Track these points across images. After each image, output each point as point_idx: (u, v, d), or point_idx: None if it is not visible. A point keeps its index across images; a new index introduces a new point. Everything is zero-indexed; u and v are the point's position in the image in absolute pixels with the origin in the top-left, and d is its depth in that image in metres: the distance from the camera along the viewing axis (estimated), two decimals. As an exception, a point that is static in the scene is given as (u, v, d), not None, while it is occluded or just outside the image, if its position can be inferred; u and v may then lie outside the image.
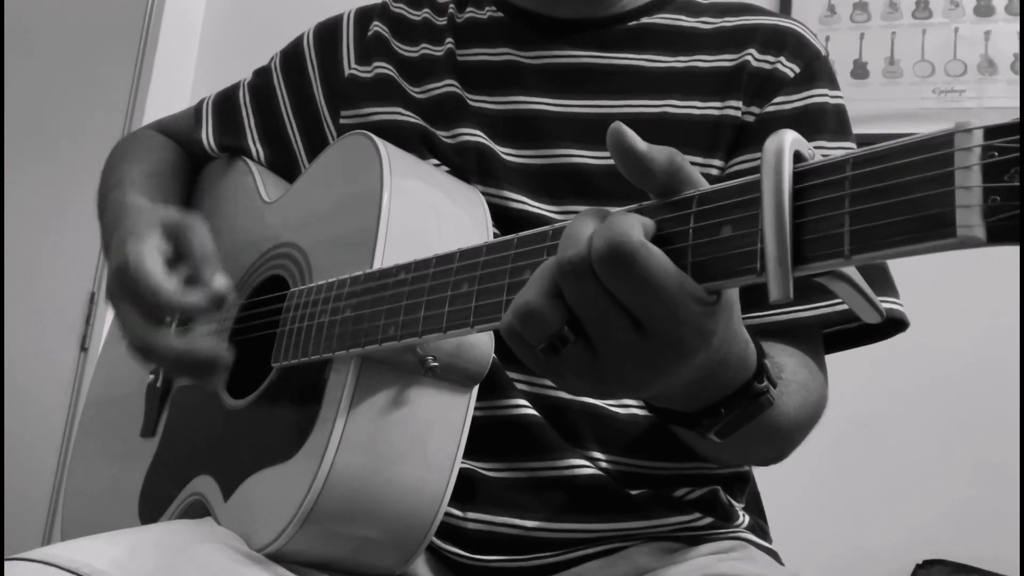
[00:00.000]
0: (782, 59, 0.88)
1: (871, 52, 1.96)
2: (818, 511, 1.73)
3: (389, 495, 0.73)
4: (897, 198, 0.42)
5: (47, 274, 2.35)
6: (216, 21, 2.52)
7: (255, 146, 1.04)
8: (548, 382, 0.82)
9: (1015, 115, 0.40)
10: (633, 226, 0.50)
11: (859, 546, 1.73)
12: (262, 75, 1.08)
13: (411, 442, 0.74)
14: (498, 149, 0.89)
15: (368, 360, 0.72)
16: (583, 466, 0.81)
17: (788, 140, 0.47)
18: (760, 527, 0.90)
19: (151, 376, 0.98)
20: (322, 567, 0.75)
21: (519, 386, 0.82)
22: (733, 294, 0.55)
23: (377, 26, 1.00)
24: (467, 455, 0.77)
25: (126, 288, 0.80)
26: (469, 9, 0.99)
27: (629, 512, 0.82)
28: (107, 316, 2.22)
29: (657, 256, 0.50)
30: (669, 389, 0.57)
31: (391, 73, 0.96)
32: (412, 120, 0.92)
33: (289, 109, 1.03)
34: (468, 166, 0.88)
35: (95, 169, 1.08)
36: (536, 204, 0.87)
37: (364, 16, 1.03)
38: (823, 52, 0.92)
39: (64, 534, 1.00)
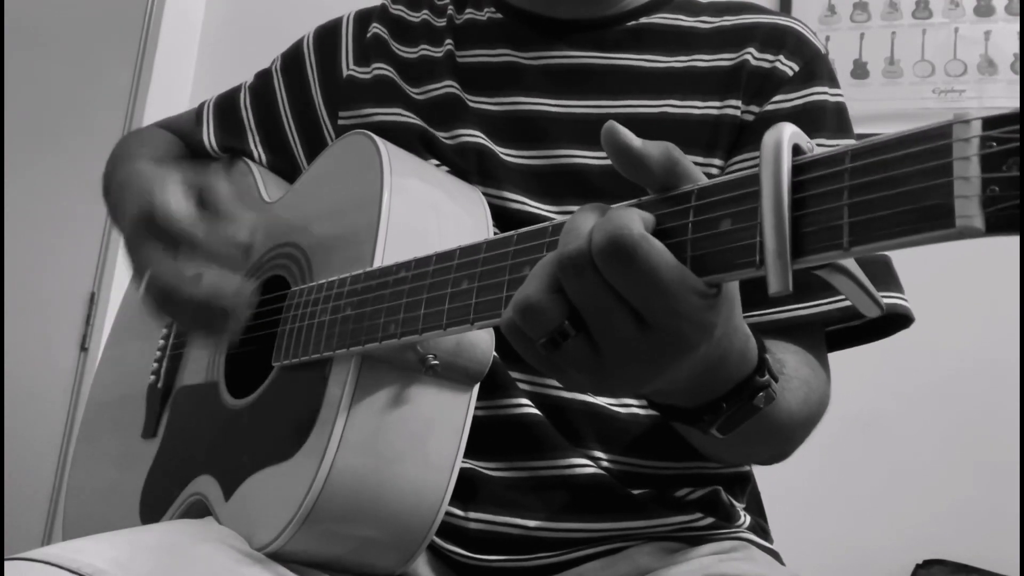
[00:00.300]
0: (781, 57, 0.88)
1: (871, 52, 1.96)
2: (818, 511, 1.73)
3: (390, 494, 0.73)
4: (896, 189, 0.42)
5: (47, 274, 2.34)
6: (216, 21, 2.52)
7: (257, 149, 1.04)
8: (550, 381, 0.82)
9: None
10: (633, 219, 0.50)
11: (859, 546, 1.73)
12: (263, 77, 1.08)
13: (412, 441, 0.74)
14: (498, 150, 0.89)
15: (368, 359, 0.72)
16: (584, 465, 0.81)
17: (787, 133, 0.47)
18: (761, 527, 0.90)
19: (152, 377, 0.98)
20: (323, 566, 0.75)
21: (521, 385, 0.82)
22: (733, 288, 0.55)
23: (376, 28, 1.00)
24: (468, 454, 0.77)
25: (151, 232, 0.78)
26: (468, 10, 0.99)
27: (630, 512, 0.82)
28: (107, 316, 2.22)
29: (657, 249, 0.50)
30: (670, 384, 0.57)
31: (390, 74, 0.97)
32: (411, 121, 0.92)
33: (288, 111, 1.03)
34: (468, 167, 0.88)
35: (95, 169, 1.08)
36: (536, 204, 0.87)
37: (363, 18, 1.03)
38: (822, 50, 0.92)
39: (64, 534, 1.00)
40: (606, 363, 0.53)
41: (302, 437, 0.73)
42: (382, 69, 0.97)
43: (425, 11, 1.01)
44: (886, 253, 0.84)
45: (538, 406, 0.81)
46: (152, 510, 0.90)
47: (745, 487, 0.91)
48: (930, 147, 0.42)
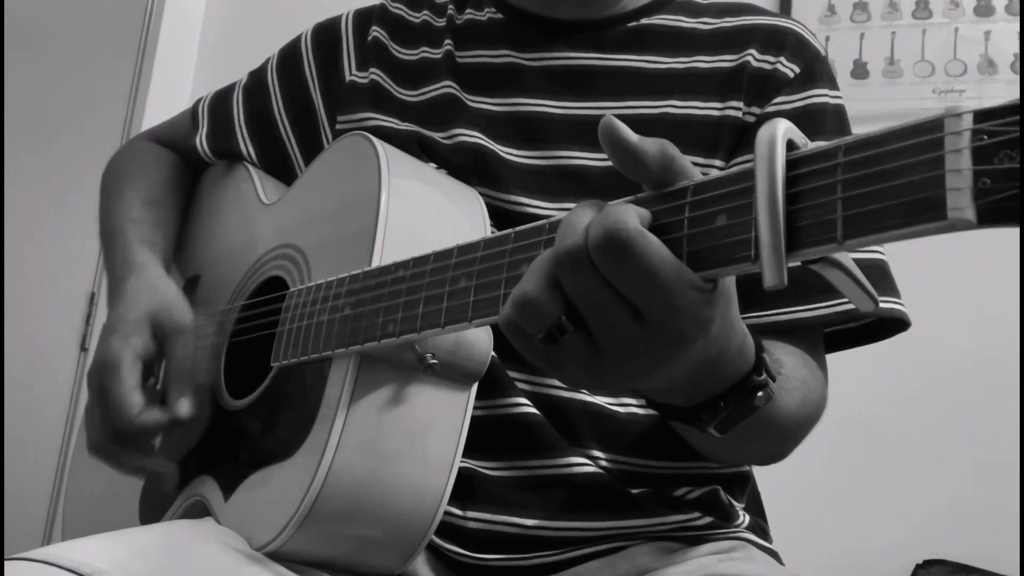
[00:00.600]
0: (782, 59, 0.88)
1: (871, 52, 1.96)
2: (818, 511, 1.73)
3: (389, 494, 0.73)
4: (888, 183, 0.43)
5: (47, 274, 2.35)
6: (216, 21, 2.52)
7: (245, 144, 1.04)
8: (549, 381, 0.82)
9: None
10: (629, 215, 0.50)
11: (859, 546, 1.73)
12: (257, 75, 1.08)
13: (411, 441, 0.74)
14: (498, 150, 0.89)
15: (367, 358, 0.72)
16: (583, 465, 0.81)
17: (781, 129, 0.47)
18: (760, 527, 0.90)
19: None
20: (322, 566, 0.76)
21: (519, 385, 0.82)
22: (730, 284, 0.55)
23: (376, 30, 1.00)
24: (467, 454, 0.77)
25: (98, 385, 0.85)
26: (468, 10, 0.99)
27: (629, 511, 0.82)
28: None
29: (654, 244, 0.50)
30: (668, 380, 0.57)
31: (384, 82, 0.96)
32: (407, 129, 0.92)
33: (281, 108, 1.03)
34: (466, 166, 0.88)
35: (95, 169, 1.08)
36: (536, 205, 0.87)
37: (363, 19, 1.02)
38: (823, 52, 0.92)
39: (64, 534, 1.00)
40: (604, 358, 0.53)
41: (301, 437, 0.73)
42: (376, 75, 0.97)
43: (425, 11, 1.01)
44: (883, 258, 0.85)
45: (537, 405, 0.82)
46: (152, 510, 0.90)
47: (744, 487, 0.91)
48: (922, 140, 0.42)
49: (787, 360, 0.77)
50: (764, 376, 0.62)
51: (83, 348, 2.28)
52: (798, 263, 0.47)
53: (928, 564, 1.67)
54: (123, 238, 0.97)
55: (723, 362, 0.59)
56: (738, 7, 0.94)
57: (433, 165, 0.89)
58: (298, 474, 0.72)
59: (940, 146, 0.41)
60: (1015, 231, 0.41)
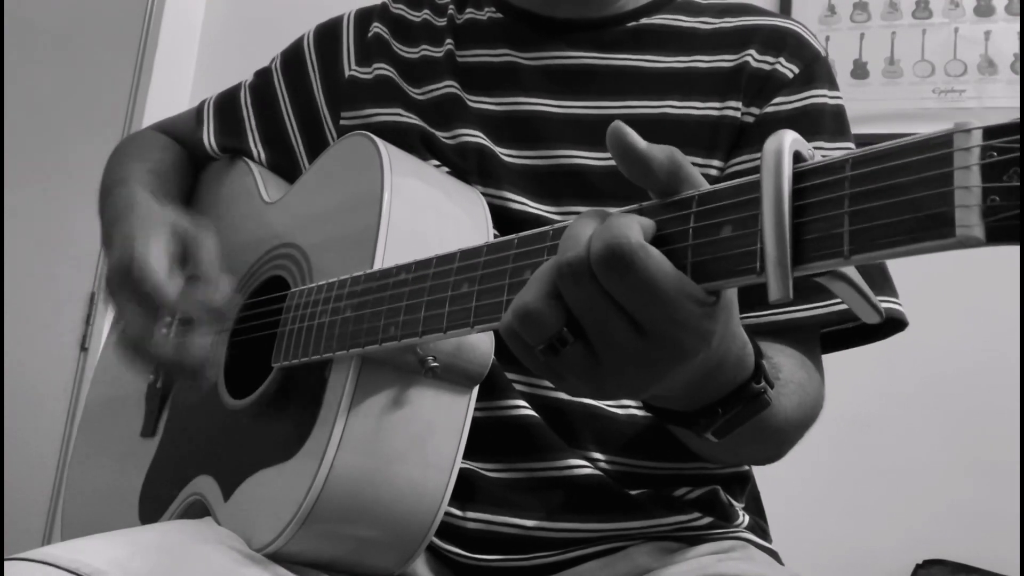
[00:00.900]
0: (781, 60, 0.88)
1: (871, 52, 1.96)
2: (818, 511, 1.73)
3: (389, 495, 0.73)
4: (896, 198, 0.42)
5: (47, 274, 2.35)
6: (216, 21, 2.52)
7: (256, 148, 1.04)
8: (547, 383, 0.82)
9: (1015, 115, 0.40)
10: (631, 228, 0.50)
11: (859, 546, 1.73)
12: (263, 76, 1.08)
13: (411, 442, 0.74)
14: (498, 150, 0.89)
15: (368, 360, 0.72)
16: (582, 466, 0.81)
17: (788, 140, 0.47)
18: (760, 527, 0.90)
19: (151, 376, 0.98)
20: (322, 567, 0.76)
21: (518, 387, 0.82)
22: (732, 295, 0.55)
23: (377, 27, 1.00)
24: (467, 455, 0.77)
25: (127, 283, 0.80)
26: (468, 10, 0.99)
27: (628, 512, 0.82)
28: (107, 316, 2.22)
29: (655, 258, 0.50)
30: (667, 389, 0.57)
31: (390, 74, 0.97)
32: (412, 121, 0.92)
33: (289, 110, 1.03)
34: (468, 167, 0.88)
35: (95, 169, 1.08)
36: (536, 205, 0.87)
37: (364, 17, 1.03)
38: (823, 53, 0.92)
39: (64, 534, 1.00)
40: (604, 370, 0.53)
41: (302, 438, 0.73)
42: (382, 69, 0.97)
43: (426, 10, 1.01)
44: None
45: (535, 408, 0.82)
46: (151, 510, 0.90)
47: (744, 487, 0.91)
48: (931, 156, 0.42)
49: (784, 362, 0.77)
50: (763, 384, 0.62)
51: (83, 348, 2.28)
52: (803, 275, 0.47)
53: (928, 564, 1.67)
54: (124, 186, 0.95)
55: (722, 371, 0.59)
56: (738, 7, 0.94)
57: (435, 162, 0.89)
58: (298, 475, 0.72)
59: (949, 162, 0.41)
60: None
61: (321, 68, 1.02)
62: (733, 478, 0.89)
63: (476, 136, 0.89)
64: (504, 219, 0.84)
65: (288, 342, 0.79)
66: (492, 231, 0.82)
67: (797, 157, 0.47)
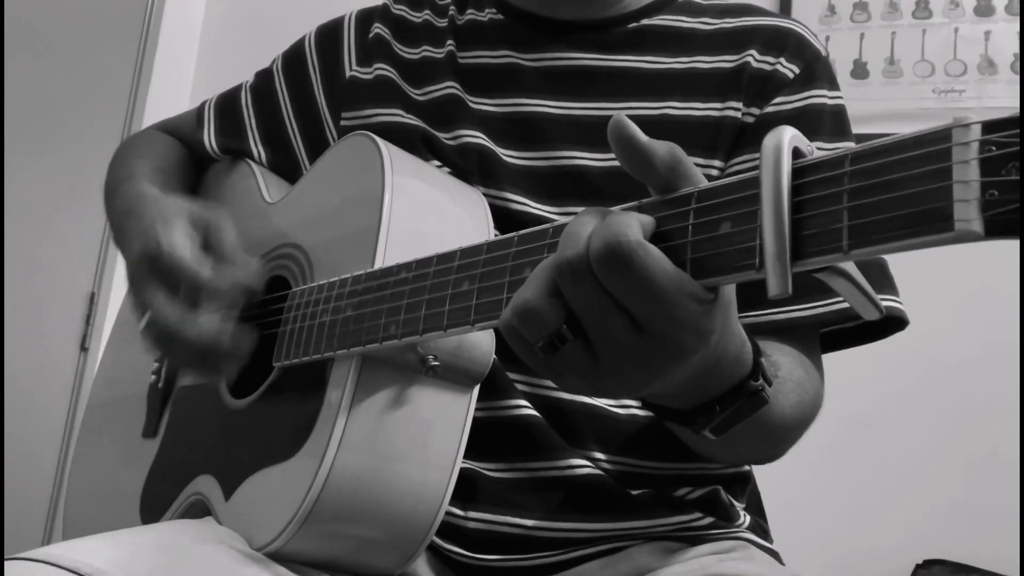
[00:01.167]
0: (782, 60, 0.88)
1: (871, 52, 1.96)
2: (818, 511, 1.73)
3: (390, 495, 0.73)
4: (895, 193, 0.43)
5: (47, 274, 2.35)
6: (216, 21, 2.52)
7: (257, 148, 1.04)
8: (548, 383, 0.82)
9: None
10: (631, 226, 0.50)
11: (859, 546, 1.73)
12: (263, 77, 1.08)
13: (412, 442, 0.74)
14: (499, 151, 0.89)
15: (369, 359, 0.72)
16: (583, 466, 0.81)
17: (787, 136, 0.47)
18: (761, 527, 0.90)
19: (153, 377, 0.98)
20: (323, 567, 0.76)
21: (519, 387, 0.82)
22: (730, 292, 0.55)
23: (378, 28, 1.00)
24: (468, 455, 0.77)
25: (156, 272, 0.78)
26: (469, 11, 0.99)
27: (629, 512, 0.82)
28: (107, 316, 2.22)
29: (654, 256, 0.50)
30: (666, 387, 0.57)
31: (391, 75, 0.97)
32: (412, 122, 0.92)
33: (290, 111, 1.03)
34: (470, 167, 0.88)
35: (95, 169, 1.08)
36: (537, 205, 0.87)
37: (365, 18, 1.03)
38: (823, 53, 0.92)
39: (64, 534, 1.00)
40: (603, 367, 0.53)
41: (302, 437, 0.73)
42: (383, 69, 0.97)
43: (427, 11, 1.01)
44: (883, 256, 0.84)
45: (536, 407, 0.82)
46: (152, 510, 0.90)
47: (745, 487, 0.91)
48: (929, 151, 0.42)
49: (783, 361, 0.77)
50: (761, 381, 0.62)
51: (83, 348, 2.28)
52: (802, 271, 0.47)
53: (928, 564, 1.67)
54: (132, 181, 0.96)
55: (721, 369, 0.59)
56: (739, 8, 0.94)
57: (436, 163, 0.89)
58: (299, 474, 0.72)
59: (948, 157, 0.41)
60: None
61: (322, 69, 1.02)
62: (734, 478, 0.89)
63: (477, 137, 0.89)
64: (505, 219, 0.84)
65: (289, 341, 0.79)
66: (493, 231, 0.82)
67: (796, 153, 0.47)
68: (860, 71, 1.95)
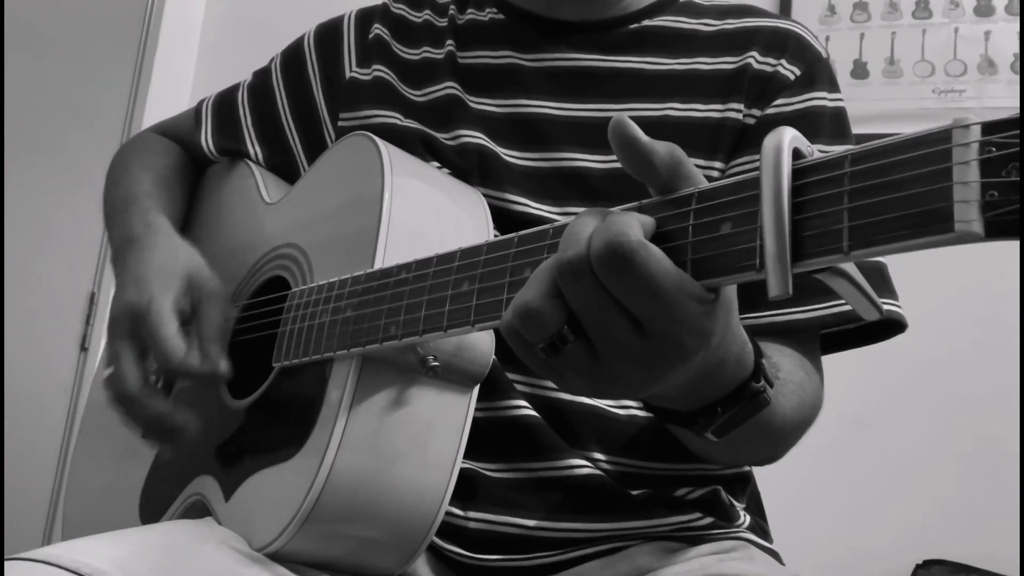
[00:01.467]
0: (783, 62, 0.88)
1: (871, 52, 1.96)
2: (818, 511, 1.73)
3: (390, 495, 0.73)
4: (895, 194, 0.43)
5: (47, 274, 2.35)
6: (216, 21, 2.52)
7: (253, 147, 1.04)
8: (548, 383, 0.82)
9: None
10: (632, 226, 0.50)
11: (859, 546, 1.73)
12: (261, 76, 1.08)
13: (412, 442, 0.74)
14: (500, 151, 0.89)
15: (369, 360, 0.72)
16: (583, 466, 0.81)
17: (787, 137, 0.47)
18: (761, 527, 0.90)
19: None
20: (323, 567, 0.76)
21: (518, 387, 0.82)
22: (731, 294, 0.55)
23: (378, 28, 1.00)
24: (468, 455, 0.77)
25: (136, 331, 0.81)
26: (470, 10, 0.99)
27: (629, 512, 0.82)
28: (107, 316, 2.22)
29: (656, 256, 0.50)
30: (668, 389, 0.57)
31: (389, 78, 0.96)
32: (409, 126, 0.92)
33: (288, 110, 1.03)
34: (469, 167, 0.88)
35: (95, 169, 1.08)
36: (537, 206, 0.87)
37: (365, 18, 1.02)
38: (824, 54, 0.92)
39: (64, 534, 1.00)
40: (604, 368, 0.53)
41: (302, 438, 0.73)
42: (381, 72, 0.97)
43: (427, 11, 1.01)
44: (882, 260, 0.85)
45: (536, 408, 0.82)
46: (152, 510, 0.90)
47: (745, 487, 0.91)
48: (930, 151, 0.42)
49: (784, 363, 0.77)
50: (762, 383, 0.62)
51: (83, 348, 2.28)
52: (803, 272, 0.47)
53: (928, 564, 1.67)
54: (139, 204, 0.96)
55: (722, 370, 0.59)
56: (740, 9, 0.94)
57: (436, 164, 0.89)
58: (299, 475, 0.72)
59: (948, 158, 0.41)
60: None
61: (321, 68, 1.02)
62: (734, 478, 0.89)
63: (477, 137, 0.89)
64: (505, 220, 0.84)
65: (288, 342, 0.79)
66: (493, 231, 0.82)
67: (796, 154, 0.47)
68: (860, 71, 1.95)
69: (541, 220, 0.85)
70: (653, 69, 0.91)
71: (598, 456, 0.82)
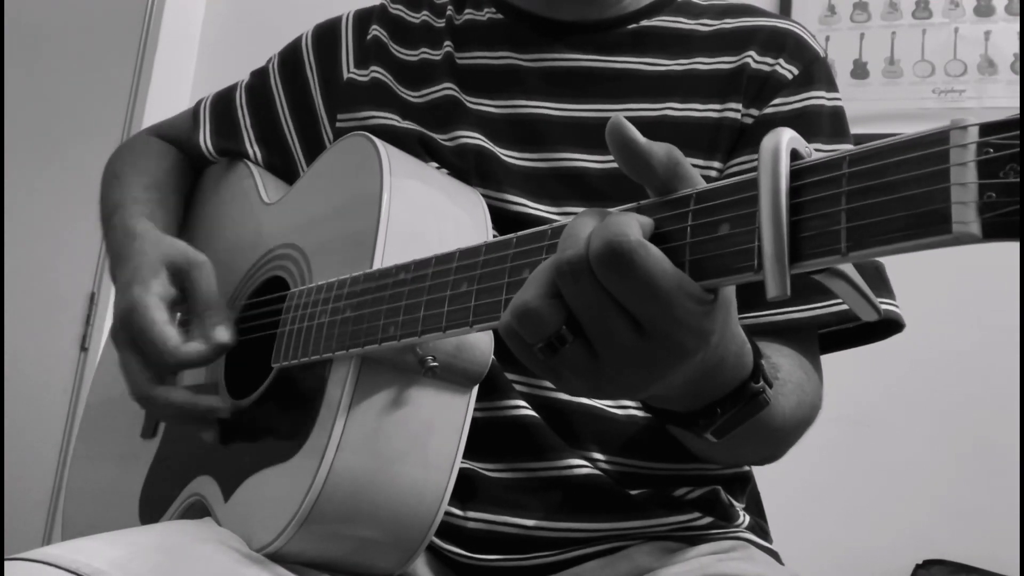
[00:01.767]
0: (781, 61, 0.88)
1: (871, 52, 1.96)
2: (818, 511, 1.73)
3: (389, 495, 0.73)
4: (893, 195, 0.43)
5: (47, 274, 2.35)
6: (216, 21, 2.52)
7: (252, 148, 1.04)
8: (546, 383, 0.82)
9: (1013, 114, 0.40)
10: (631, 226, 0.50)
11: (859, 546, 1.73)
12: (259, 76, 1.07)
13: (411, 442, 0.74)
14: (498, 152, 0.89)
15: (368, 360, 0.72)
16: (582, 466, 0.81)
17: (785, 138, 0.47)
18: (760, 527, 0.90)
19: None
20: (322, 567, 0.76)
21: (518, 387, 0.82)
22: (730, 294, 0.55)
23: (376, 29, 1.00)
24: (467, 455, 0.77)
25: (130, 337, 0.83)
26: (467, 11, 0.99)
27: (629, 512, 0.82)
28: (107, 316, 2.22)
29: (655, 256, 0.50)
30: (667, 389, 0.57)
31: (385, 79, 0.96)
32: (407, 127, 0.92)
33: (286, 110, 1.03)
34: (467, 168, 0.88)
35: (95, 169, 1.08)
36: (536, 207, 0.87)
37: (363, 18, 1.02)
38: (822, 54, 0.92)
39: (64, 534, 1.00)
40: (604, 368, 0.53)
41: (302, 438, 0.73)
42: (378, 73, 0.97)
43: (425, 11, 1.01)
44: (879, 259, 0.85)
45: (535, 408, 0.82)
46: (151, 510, 0.90)
47: (744, 487, 0.91)
48: (927, 153, 0.42)
49: (783, 363, 0.77)
50: (761, 383, 0.62)
51: (83, 348, 2.28)
52: (801, 273, 0.47)
53: (928, 564, 1.67)
54: (124, 211, 0.97)
55: (722, 370, 0.59)
56: (738, 8, 0.94)
57: (435, 165, 0.89)
58: (298, 475, 0.72)
59: (946, 159, 0.41)
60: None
61: (319, 69, 1.02)
62: (734, 478, 0.89)
63: (475, 138, 0.89)
64: (504, 220, 0.84)
65: (288, 342, 0.79)
66: (492, 232, 0.82)
67: (794, 155, 0.47)
68: (860, 71, 1.95)
69: (539, 220, 0.85)
70: (651, 69, 0.91)
71: (597, 456, 0.82)
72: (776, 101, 0.87)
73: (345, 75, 0.99)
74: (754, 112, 0.87)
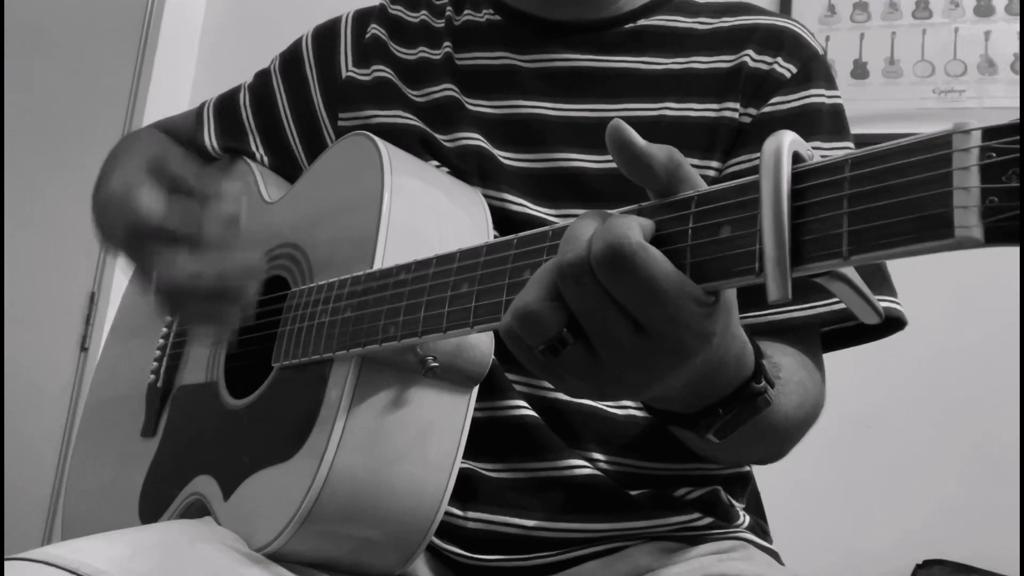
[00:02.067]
0: (779, 59, 0.88)
1: (871, 52, 1.96)
2: (818, 511, 1.73)
3: (389, 495, 0.73)
4: (895, 199, 0.42)
5: (47, 274, 2.35)
6: (216, 21, 2.52)
7: (259, 150, 1.04)
8: (547, 384, 0.82)
9: (1015, 115, 0.40)
10: (632, 228, 0.50)
11: (859, 546, 1.73)
12: (262, 77, 1.08)
13: (411, 442, 0.74)
14: (497, 153, 0.89)
15: (368, 360, 0.72)
16: (582, 466, 0.81)
17: (787, 141, 0.47)
18: (760, 527, 0.90)
19: (151, 376, 0.98)
20: (322, 567, 0.76)
21: (518, 388, 0.82)
22: (731, 295, 0.55)
23: (375, 28, 1.00)
24: (467, 455, 0.77)
25: (147, 238, 0.77)
26: (466, 12, 0.99)
27: (629, 512, 0.82)
28: (107, 316, 2.22)
29: (656, 258, 0.50)
30: (668, 391, 0.57)
31: (390, 76, 0.96)
32: (411, 123, 0.92)
33: (288, 111, 1.03)
34: (469, 170, 0.88)
35: (95, 169, 1.08)
36: (536, 207, 0.87)
37: (362, 18, 1.03)
38: (820, 52, 0.92)
39: (64, 534, 1.00)
40: (605, 370, 0.53)
41: (302, 438, 0.73)
42: (381, 71, 0.97)
43: (424, 12, 1.01)
44: None
45: (535, 408, 0.82)
46: (151, 510, 0.90)
47: (745, 487, 0.91)
48: (930, 157, 0.42)
49: (784, 362, 0.77)
50: (763, 384, 0.62)
51: (83, 348, 2.28)
52: (802, 276, 0.47)
53: (928, 564, 1.67)
54: (107, 183, 0.95)
55: (723, 371, 0.59)
56: (736, 6, 0.94)
57: (435, 163, 0.89)
58: (298, 475, 0.72)
59: (948, 163, 0.41)
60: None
61: (318, 69, 1.02)
62: (734, 478, 0.89)
63: (476, 139, 0.89)
64: (504, 221, 0.84)
65: (288, 342, 0.79)
66: (492, 232, 0.82)
67: (796, 157, 0.47)
68: (860, 71, 1.95)
69: (539, 221, 0.85)
70: (649, 69, 0.90)
71: (597, 456, 0.82)
72: (775, 100, 0.87)
73: (344, 74, 0.99)
74: (752, 111, 0.87)
